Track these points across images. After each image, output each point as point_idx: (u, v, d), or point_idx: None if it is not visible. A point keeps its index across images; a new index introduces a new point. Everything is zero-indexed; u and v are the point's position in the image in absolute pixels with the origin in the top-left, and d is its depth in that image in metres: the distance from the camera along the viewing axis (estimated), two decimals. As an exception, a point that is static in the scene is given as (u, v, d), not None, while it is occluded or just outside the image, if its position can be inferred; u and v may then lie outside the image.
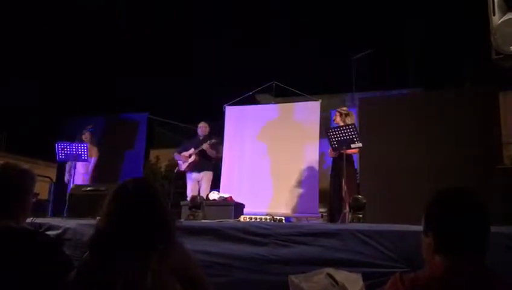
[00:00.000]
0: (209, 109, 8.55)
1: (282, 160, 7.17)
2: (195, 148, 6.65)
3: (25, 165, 1.80)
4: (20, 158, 12.46)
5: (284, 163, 7.15)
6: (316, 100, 7.28)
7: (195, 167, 6.65)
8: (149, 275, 1.43)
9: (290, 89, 7.46)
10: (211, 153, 6.62)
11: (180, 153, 6.78)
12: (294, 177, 7.03)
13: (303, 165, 7.02)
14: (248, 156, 7.41)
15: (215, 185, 6.83)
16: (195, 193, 6.30)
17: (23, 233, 1.71)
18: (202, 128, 6.84)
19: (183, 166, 6.69)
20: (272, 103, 7.78)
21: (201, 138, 6.80)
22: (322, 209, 6.98)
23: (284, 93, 7.91)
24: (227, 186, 7.10)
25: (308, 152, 7.05)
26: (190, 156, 6.66)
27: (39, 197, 6.35)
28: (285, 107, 7.59)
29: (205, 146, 6.54)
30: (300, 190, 6.96)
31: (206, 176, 6.67)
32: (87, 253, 1.55)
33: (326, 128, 5.31)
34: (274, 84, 7.50)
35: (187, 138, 7.37)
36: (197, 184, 6.64)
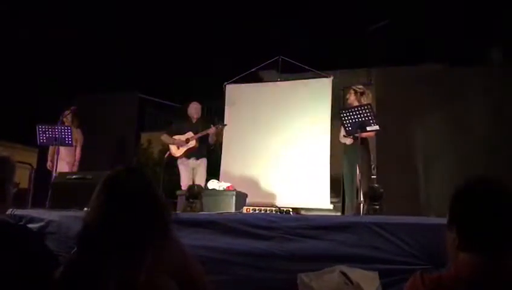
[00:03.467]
0: (208, 87, 8.53)
1: (289, 144, 7.17)
2: (193, 132, 6.62)
3: (4, 152, 1.81)
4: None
5: (291, 148, 7.14)
6: (327, 77, 7.24)
7: (192, 154, 6.64)
8: (143, 274, 1.44)
9: (298, 64, 7.40)
10: (212, 138, 6.62)
11: (171, 135, 6.75)
12: (302, 163, 7.04)
13: (312, 151, 7.02)
14: (251, 140, 7.41)
15: (210, 172, 6.84)
16: (190, 182, 6.32)
17: (2, 226, 1.73)
18: (197, 109, 6.80)
19: (177, 151, 6.70)
20: (277, 81, 7.73)
21: (194, 120, 6.78)
22: (334, 200, 7.01)
23: (291, 70, 7.85)
24: (227, 174, 7.12)
25: (319, 136, 7.04)
26: (188, 140, 6.64)
27: (19, 186, 6.40)
28: (292, 85, 7.56)
29: (212, 130, 6.50)
30: (310, 179, 6.97)
31: (203, 164, 6.68)
32: (74, 249, 1.57)
33: (338, 108, 5.29)
34: (280, 59, 7.43)
35: (178, 119, 7.34)
36: (191, 172, 6.65)
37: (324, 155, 6.93)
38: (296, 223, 3.19)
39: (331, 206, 6.86)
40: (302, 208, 7.26)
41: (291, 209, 4.02)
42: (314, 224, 3.17)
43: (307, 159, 7.03)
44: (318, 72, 7.42)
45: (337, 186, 6.83)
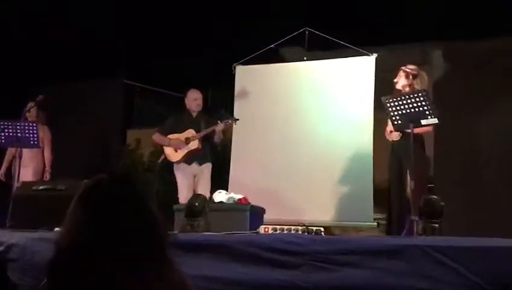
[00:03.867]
0: (211, 70, 8.54)
1: (319, 144, 7.17)
2: (195, 130, 6.67)
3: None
4: None
5: (322, 148, 7.14)
6: (369, 55, 7.22)
7: (195, 157, 6.70)
8: None
9: (331, 38, 7.39)
10: (219, 137, 6.69)
11: (165, 133, 6.82)
12: (337, 168, 7.04)
13: (350, 152, 7.01)
14: (268, 138, 7.43)
15: (216, 181, 6.89)
16: (191, 193, 6.37)
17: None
18: (197, 99, 6.84)
19: (174, 155, 6.75)
20: (303, 60, 7.72)
21: (194, 114, 6.84)
22: (377, 215, 6.99)
23: (320, 46, 7.83)
24: (238, 183, 7.13)
25: (358, 132, 7.04)
26: (188, 141, 6.68)
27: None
28: (322, 65, 7.55)
29: (220, 126, 6.57)
30: (347, 188, 6.97)
31: (207, 170, 6.76)
32: (43, 281, 1.59)
33: (384, 97, 5.28)
34: (307, 33, 7.42)
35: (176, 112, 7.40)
36: (192, 180, 6.72)
37: (365, 157, 6.91)
38: (328, 247, 3.22)
39: (374, 224, 6.85)
40: (336, 226, 7.26)
41: (322, 229, 4.02)
42: (352, 248, 3.19)
43: (343, 162, 7.02)
44: (357, 48, 7.38)
45: (381, 198, 6.81)
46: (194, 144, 6.66)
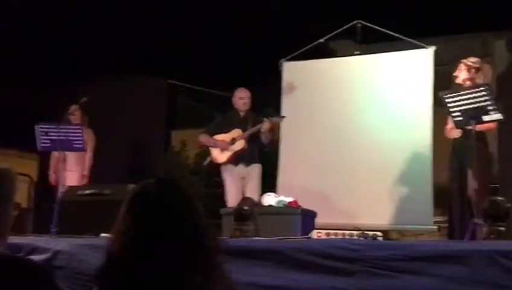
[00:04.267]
0: (257, 67, 8.56)
1: (374, 143, 7.14)
2: (242, 130, 6.73)
3: (2, 165, 1.91)
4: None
5: (377, 148, 7.11)
6: (426, 47, 7.14)
7: (242, 158, 6.75)
8: None
9: (385, 31, 7.34)
10: (267, 137, 6.69)
11: (212, 134, 6.89)
12: (393, 168, 7.01)
13: (407, 151, 6.96)
14: (320, 137, 7.43)
15: (265, 183, 6.91)
16: (240, 196, 6.41)
17: (2, 262, 1.82)
18: (244, 99, 6.88)
19: (220, 156, 6.80)
20: (355, 54, 7.69)
21: (242, 113, 6.89)
22: (438, 218, 6.92)
23: (374, 39, 7.78)
24: (288, 185, 7.16)
25: (415, 129, 6.98)
26: (233, 141, 6.73)
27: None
28: (377, 60, 7.52)
29: (266, 125, 6.58)
30: (404, 189, 6.92)
31: (255, 171, 6.79)
32: (94, 289, 1.63)
33: (442, 92, 5.21)
34: (359, 25, 7.39)
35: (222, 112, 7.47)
36: (240, 183, 6.76)
37: (424, 156, 6.87)
38: (387, 253, 3.20)
39: (434, 228, 6.78)
40: (393, 230, 7.20)
41: (379, 233, 3.99)
42: (412, 253, 3.16)
43: (400, 161, 6.98)
44: (413, 40, 7.31)
45: (442, 199, 6.73)
46: (240, 144, 6.71)
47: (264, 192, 5.91)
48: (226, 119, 6.97)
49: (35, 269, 1.89)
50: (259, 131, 6.64)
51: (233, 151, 6.72)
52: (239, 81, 7.29)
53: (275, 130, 6.93)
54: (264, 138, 6.69)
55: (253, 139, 6.73)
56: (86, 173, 7.36)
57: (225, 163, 6.79)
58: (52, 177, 7.38)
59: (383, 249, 3.29)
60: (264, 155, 7.10)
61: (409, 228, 7.04)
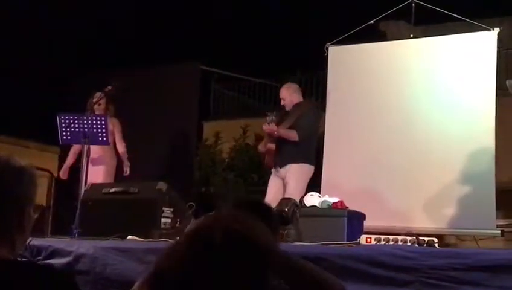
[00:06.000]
0: (300, 52, 8.53)
1: (429, 137, 7.05)
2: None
3: (21, 161, 1.90)
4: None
5: (432, 142, 7.02)
6: (489, 29, 7.02)
7: (277, 159, 6.88)
8: None
9: (442, 11, 7.23)
10: (289, 136, 6.76)
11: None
12: (450, 165, 6.90)
13: (467, 146, 6.86)
14: (368, 131, 7.36)
15: (311, 182, 6.89)
16: (279, 196, 6.41)
17: (23, 268, 1.82)
18: (284, 101, 7.04)
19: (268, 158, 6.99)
20: (409, 37, 7.59)
21: (287, 108, 7.03)
22: (501, 222, 6.87)
23: (430, 20, 7.67)
24: (333, 184, 7.12)
25: (476, 121, 6.88)
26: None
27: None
28: (433, 43, 7.41)
29: (282, 131, 6.70)
30: (463, 188, 6.82)
31: (292, 172, 6.82)
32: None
33: (509, 80, 5.11)
34: (413, 5, 7.29)
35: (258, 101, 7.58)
36: (280, 182, 6.85)
37: (485, 152, 6.75)
38: (445, 261, 3.16)
39: (497, 232, 6.65)
40: (450, 235, 7.10)
41: (435, 240, 3.92)
42: (473, 263, 3.12)
43: (458, 158, 6.88)
44: (474, 22, 7.19)
45: (506, 201, 6.64)
46: (268, 146, 6.87)
47: (307, 192, 5.87)
48: (278, 115, 7.10)
49: (56, 276, 1.88)
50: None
51: (267, 153, 6.92)
52: (279, 67, 7.29)
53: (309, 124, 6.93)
54: (287, 137, 6.77)
55: (283, 139, 6.81)
56: (126, 162, 7.29)
57: (270, 165, 6.99)
58: (64, 171, 7.35)
59: (441, 257, 3.25)
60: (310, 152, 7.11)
61: (467, 233, 6.91)
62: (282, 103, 7.06)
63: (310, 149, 7.01)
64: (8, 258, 1.81)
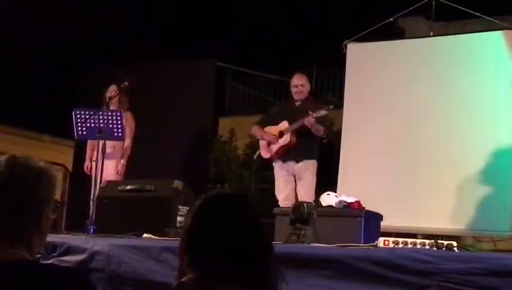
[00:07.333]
0: (317, 49, 8.51)
1: (448, 137, 7.05)
2: (289, 122, 6.63)
3: (39, 162, 1.91)
4: (11, 131, 13.29)
5: (451, 142, 7.02)
6: (509, 28, 7.01)
7: (291, 154, 6.68)
8: None
9: (462, 9, 7.20)
10: (318, 130, 6.55)
11: (264, 125, 6.89)
12: (468, 165, 6.91)
13: (484, 145, 6.87)
14: (386, 129, 7.35)
15: (322, 181, 6.85)
16: (292, 194, 6.37)
17: (37, 270, 1.83)
18: (298, 88, 6.80)
19: (266, 151, 6.80)
20: (429, 36, 7.61)
21: (297, 103, 6.84)
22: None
23: (451, 17, 7.64)
24: (349, 184, 7.12)
25: (495, 121, 6.88)
26: (281, 134, 6.64)
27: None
28: (453, 41, 7.41)
29: (308, 120, 6.42)
30: (481, 189, 6.80)
31: (308, 168, 6.72)
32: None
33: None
34: (434, 3, 7.26)
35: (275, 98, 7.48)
36: (292, 180, 6.74)
37: (504, 151, 6.75)
38: (466, 266, 3.13)
39: (517, 235, 6.61)
40: (468, 236, 7.07)
41: (454, 243, 3.89)
42: (494, 267, 3.09)
43: (476, 157, 6.88)
44: (496, 21, 7.16)
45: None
46: (287, 139, 6.64)
47: (322, 191, 5.83)
48: (281, 109, 6.96)
49: (71, 278, 1.89)
50: (305, 126, 6.49)
51: (279, 146, 6.68)
52: (296, 64, 7.25)
53: (335, 120, 6.84)
54: (315, 131, 6.57)
55: (304, 133, 6.60)
56: (123, 161, 7.18)
57: (270, 158, 6.81)
58: (87, 167, 7.30)
59: (460, 261, 3.21)
60: (322, 149, 7.04)
61: (485, 234, 6.88)
62: (297, 90, 6.78)
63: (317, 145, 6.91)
64: (25, 260, 1.82)
